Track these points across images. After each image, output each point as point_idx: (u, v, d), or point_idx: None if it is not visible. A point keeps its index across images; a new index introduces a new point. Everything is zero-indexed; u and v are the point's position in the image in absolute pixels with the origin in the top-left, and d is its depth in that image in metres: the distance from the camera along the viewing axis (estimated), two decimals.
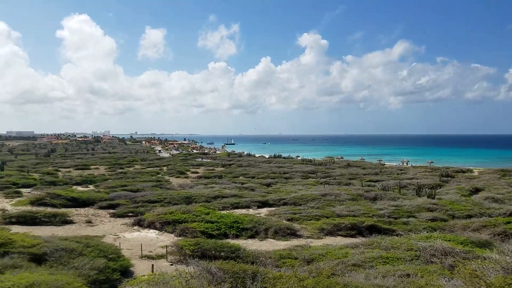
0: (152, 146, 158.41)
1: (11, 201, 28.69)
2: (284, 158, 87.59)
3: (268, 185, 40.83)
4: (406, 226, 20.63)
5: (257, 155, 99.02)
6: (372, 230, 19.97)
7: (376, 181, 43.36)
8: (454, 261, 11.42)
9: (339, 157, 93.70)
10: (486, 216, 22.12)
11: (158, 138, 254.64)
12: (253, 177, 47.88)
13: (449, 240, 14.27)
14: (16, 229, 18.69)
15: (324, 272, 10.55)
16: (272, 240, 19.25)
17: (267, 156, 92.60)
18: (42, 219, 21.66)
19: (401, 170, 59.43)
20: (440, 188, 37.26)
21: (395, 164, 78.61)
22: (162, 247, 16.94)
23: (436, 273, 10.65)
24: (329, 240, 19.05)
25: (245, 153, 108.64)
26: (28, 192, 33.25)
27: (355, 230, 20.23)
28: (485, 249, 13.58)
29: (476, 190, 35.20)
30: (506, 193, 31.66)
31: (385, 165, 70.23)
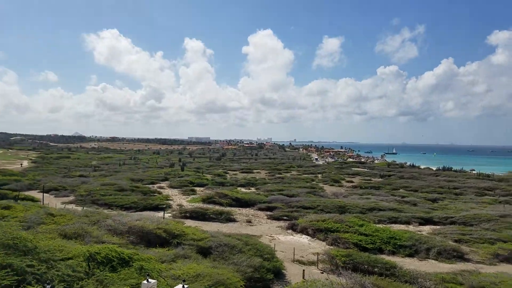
0: (308, 153, 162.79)
1: (187, 197, 33.90)
2: (455, 171, 77.33)
3: (434, 200, 36.76)
4: None
5: (422, 167, 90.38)
6: None
7: None
8: None
9: None
10: None
11: (315, 145, 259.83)
12: (416, 191, 43.89)
13: None
14: (189, 223, 22.05)
15: None
16: (433, 261, 17.24)
17: (434, 169, 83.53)
18: (211, 215, 24.85)
19: None
20: None
21: None
22: (313, 253, 17.10)
23: None
24: (505, 268, 16.06)
25: (408, 163, 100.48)
26: (201, 190, 38.61)
27: None
28: None
29: None
30: None
31: None
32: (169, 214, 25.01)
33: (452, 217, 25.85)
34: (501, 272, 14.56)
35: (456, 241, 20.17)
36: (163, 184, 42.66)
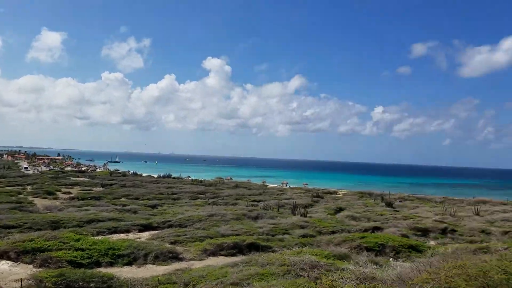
0: (15, 161, 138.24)
1: None
2: (174, 178, 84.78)
3: (154, 206, 38.50)
4: (281, 242, 21.61)
5: (144, 175, 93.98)
6: (252, 247, 20.32)
7: (259, 201, 44.88)
8: (319, 273, 12.26)
9: (229, 178, 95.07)
10: (346, 232, 24.47)
11: (25, 152, 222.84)
12: (137, 198, 44.69)
13: (316, 254, 15.29)
14: None
15: None
16: (151, 265, 17.77)
17: (155, 176, 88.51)
18: None
19: (281, 191, 63.28)
20: (311, 207, 40.66)
21: (276, 185, 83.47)
22: (16, 280, 14.16)
23: (303, 285, 11.09)
24: (211, 261, 18.55)
25: (131, 172, 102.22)
26: None
27: (237, 249, 20.27)
28: (344, 261, 14.84)
29: (340, 209, 39.08)
30: (362, 212, 36.04)
31: (268, 186, 74.29)
32: None
33: (169, 221, 27.76)
34: (208, 265, 16.62)
35: (172, 242, 21.66)
36: None
